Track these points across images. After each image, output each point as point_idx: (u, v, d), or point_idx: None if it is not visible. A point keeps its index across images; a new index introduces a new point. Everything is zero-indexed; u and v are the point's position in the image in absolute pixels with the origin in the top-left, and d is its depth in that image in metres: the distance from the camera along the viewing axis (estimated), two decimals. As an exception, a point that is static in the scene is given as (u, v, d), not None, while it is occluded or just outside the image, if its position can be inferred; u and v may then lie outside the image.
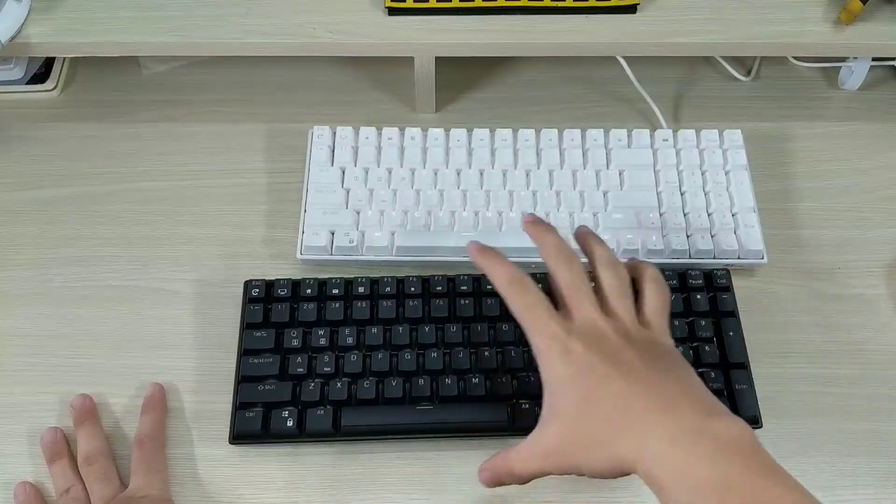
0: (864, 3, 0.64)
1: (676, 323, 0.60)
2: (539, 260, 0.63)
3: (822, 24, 0.67)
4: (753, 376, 0.58)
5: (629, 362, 0.45)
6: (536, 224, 0.52)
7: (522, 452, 0.47)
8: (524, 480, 0.47)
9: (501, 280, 0.49)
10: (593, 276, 0.50)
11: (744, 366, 0.59)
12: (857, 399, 0.60)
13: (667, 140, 0.68)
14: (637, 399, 0.44)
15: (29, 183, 0.70)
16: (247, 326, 0.60)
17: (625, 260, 0.52)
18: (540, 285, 0.49)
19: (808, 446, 0.58)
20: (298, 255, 0.64)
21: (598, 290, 0.49)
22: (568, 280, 0.49)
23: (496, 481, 0.48)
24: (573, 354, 0.45)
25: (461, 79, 0.77)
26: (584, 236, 0.53)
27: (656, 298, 0.50)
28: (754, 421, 0.57)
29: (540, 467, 0.46)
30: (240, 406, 0.57)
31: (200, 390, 0.60)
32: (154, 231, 0.67)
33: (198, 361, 0.61)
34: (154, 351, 0.61)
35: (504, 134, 0.68)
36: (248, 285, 0.62)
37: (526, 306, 0.48)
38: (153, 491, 0.53)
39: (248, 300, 0.61)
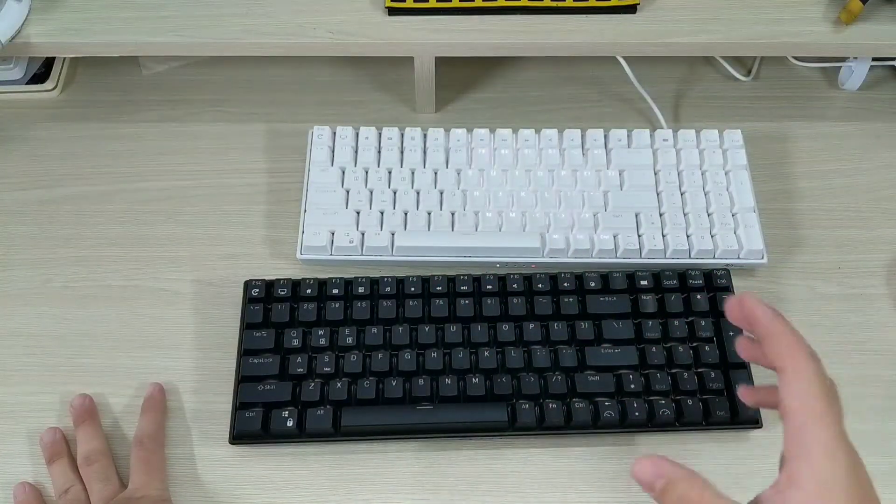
0: (864, 3, 0.64)
1: (676, 323, 0.60)
2: (538, 260, 0.64)
3: (822, 24, 0.67)
4: (753, 376, 0.58)
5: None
6: (776, 317, 0.44)
7: None
8: None
9: (803, 348, 0.42)
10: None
11: (744, 366, 0.59)
12: (858, 399, 0.60)
13: (667, 140, 0.68)
14: None
15: (29, 183, 0.70)
16: (247, 326, 0.60)
17: None
18: None
19: (808, 446, 0.58)
20: (298, 255, 0.64)
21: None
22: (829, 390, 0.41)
23: (657, 488, 0.40)
24: (861, 483, 0.40)
25: (461, 79, 0.77)
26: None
27: None
28: (754, 421, 0.57)
29: None
30: (240, 406, 0.57)
31: (200, 390, 0.60)
32: (154, 231, 0.67)
33: (198, 361, 0.61)
34: (154, 351, 0.61)
35: (504, 134, 0.68)
36: (247, 285, 0.62)
37: (824, 389, 0.40)
38: (152, 491, 0.53)
39: (248, 300, 0.61)
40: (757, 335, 0.44)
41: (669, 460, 0.40)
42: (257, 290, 0.61)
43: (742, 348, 0.47)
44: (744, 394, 0.48)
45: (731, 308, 0.45)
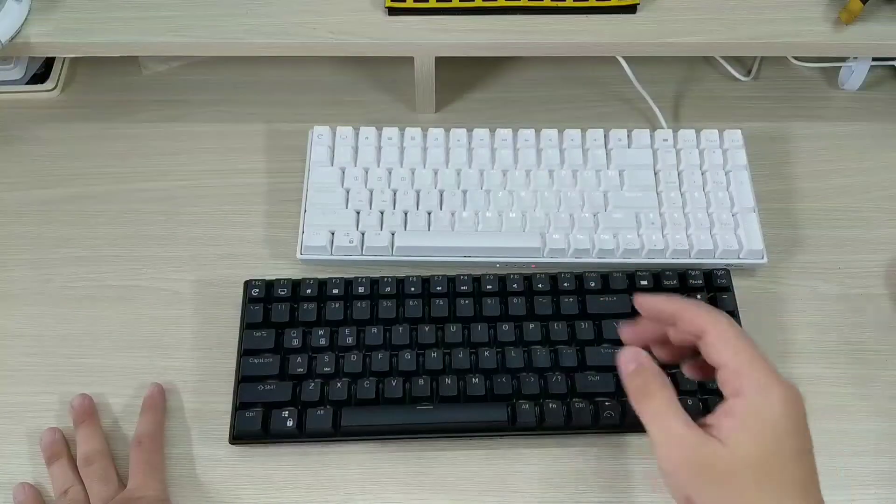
0: (864, 3, 0.64)
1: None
2: (538, 260, 0.64)
3: (822, 24, 0.67)
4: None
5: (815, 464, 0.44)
6: (676, 298, 0.47)
7: (676, 437, 0.42)
8: (644, 420, 0.44)
9: (713, 311, 0.45)
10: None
11: (744, 366, 0.59)
12: (857, 399, 0.60)
13: (667, 140, 0.68)
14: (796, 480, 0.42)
15: (29, 183, 0.70)
16: (247, 326, 0.60)
17: None
18: None
19: (808, 446, 0.58)
20: (298, 255, 0.64)
21: None
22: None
23: (623, 374, 0.46)
24: (796, 414, 0.42)
25: (461, 79, 0.77)
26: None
27: None
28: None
29: (672, 463, 0.43)
30: (240, 406, 0.57)
31: (200, 390, 0.60)
32: (154, 231, 0.67)
33: (198, 361, 0.61)
34: (154, 351, 0.61)
35: (504, 134, 0.68)
36: (248, 285, 0.62)
37: (746, 337, 0.44)
38: (151, 491, 0.53)
39: (248, 300, 0.61)
40: (669, 321, 0.46)
41: (648, 356, 0.46)
42: (257, 290, 0.61)
43: (690, 369, 0.49)
44: (688, 369, 0.49)
45: (641, 314, 0.48)
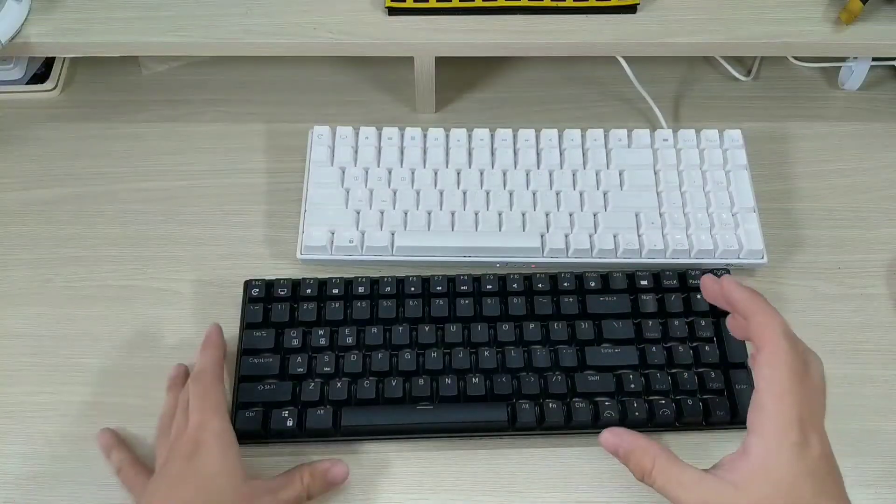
0: (864, 3, 0.64)
1: (676, 323, 0.60)
2: (538, 260, 0.64)
3: (822, 24, 0.67)
4: (754, 376, 0.58)
5: (843, 492, 0.44)
6: (753, 295, 0.48)
7: (683, 479, 0.44)
8: (645, 483, 0.46)
9: (778, 327, 0.46)
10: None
11: (744, 366, 0.59)
12: (858, 399, 0.60)
13: (667, 140, 0.68)
14: None
15: (29, 183, 0.70)
16: (247, 326, 0.60)
17: None
18: None
19: (808, 446, 0.58)
20: (298, 255, 0.64)
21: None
22: (812, 371, 0.46)
23: (618, 456, 0.48)
24: (811, 454, 0.43)
25: (461, 79, 0.77)
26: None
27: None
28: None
29: (677, 499, 0.44)
30: (240, 406, 0.57)
31: (200, 390, 0.60)
32: (154, 231, 0.67)
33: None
34: (154, 351, 0.61)
35: (504, 134, 0.68)
36: (248, 285, 0.62)
37: (791, 368, 0.44)
38: (209, 430, 0.51)
39: (249, 300, 0.61)
40: (740, 315, 0.48)
41: (629, 432, 0.48)
42: (257, 290, 0.61)
43: (733, 326, 0.51)
44: (732, 324, 0.51)
45: (708, 287, 0.50)
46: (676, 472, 0.45)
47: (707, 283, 0.50)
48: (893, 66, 0.76)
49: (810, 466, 0.42)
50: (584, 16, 0.67)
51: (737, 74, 0.76)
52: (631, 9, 0.66)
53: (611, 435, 0.48)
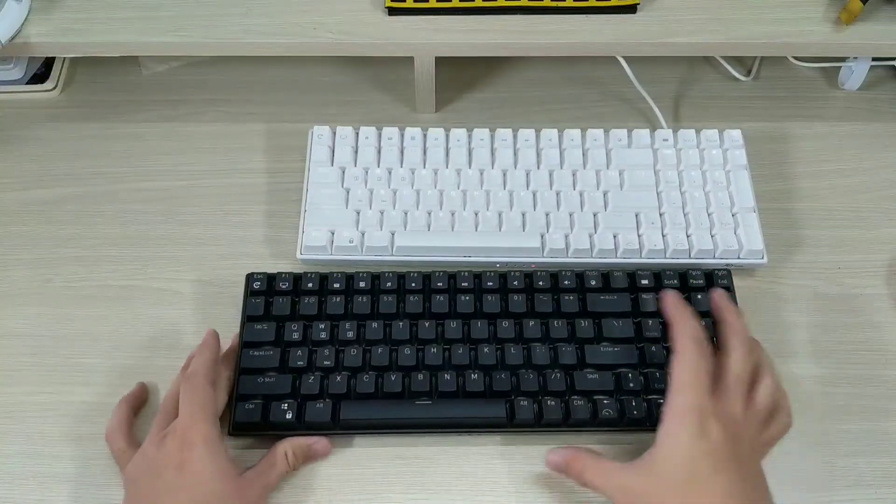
0: (864, 3, 0.64)
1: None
2: (538, 260, 0.64)
3: (822, 24, 0.67)
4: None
5: (746, 474, 0.48)
6: (679, 307, 0.54)
7: (606, 470, 0.51)
8: (585, 486, 0.52)
9: (687, 333, 0.52)
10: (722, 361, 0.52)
11: (744, 365, 0.59)
12: (857, 399, 0.60)
13: (667, 140, 0.68)
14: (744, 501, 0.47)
15: (29, 183, 0.70)
16: (248, 319, 0.60)
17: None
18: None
19: (809, 446, 0.58)
20: (298, 255, 0.64)
21: (728, 380, 0.51)
22: (740, 371, 0.51)
23: (560, 470, 0.54)
24: (710, 435, 0.48)
25: (461, 79, 0.77)
26: (726, 310, 0.56)
27: (775, 438, 0.53)
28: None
29: (609, 492, 0.51)
30: (239, 398, 0.57)
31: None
32: (154, 231, 0.67)
33: (198, 361, 0.61)
34: (154, 351, 0.61)
35: (504, 134, 0.68)
36: (249, 278, 0.62)
37: (694, 367, 0.50)
38: (198, 435, 0.51)
39: (250, 293, 0.61)
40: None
41: (564, 448, 0.54)
42: (259, 283, 0.61)
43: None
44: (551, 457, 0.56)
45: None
46: (601, 468, 0.51)
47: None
48: (893, 66, 0.76)
49: (708, 448, 0.47)
50: (584, 16, 0.67)
51: (737, 74, 0.77)
52: (631, 9, 0.66)
53: (553, 455, 0.54)
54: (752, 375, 0.52)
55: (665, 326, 0.60)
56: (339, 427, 0.57)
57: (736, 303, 0.61)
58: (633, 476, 0.49)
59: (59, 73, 0.76)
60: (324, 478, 0.56)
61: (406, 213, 0.65)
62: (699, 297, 0.61)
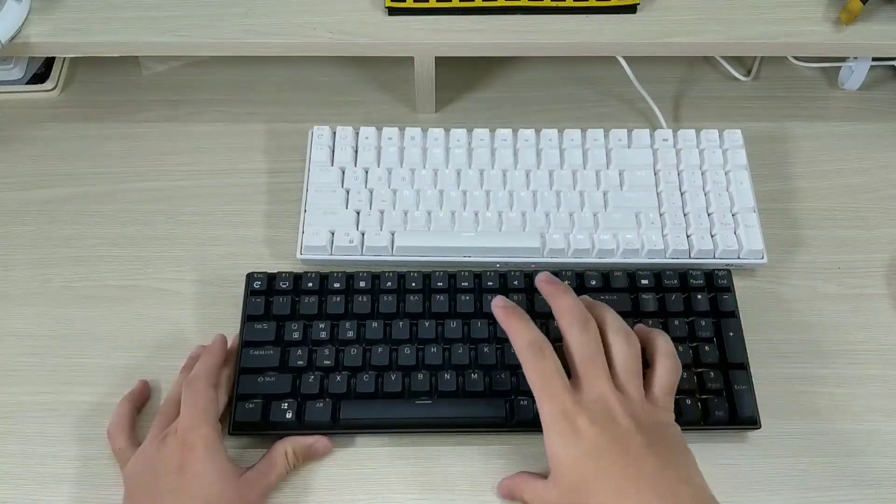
0: (864, 3, 0.64)
1: (676, 323, 0.60)
2: (538, 260, 0.64)
3: (822, 24, 0.67)
4: (753, 376, 0.58)
5: (636, 449, 0.46)
6: (551, 284, 0.52)
7: (534, 488, 0.51)
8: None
9: (521, 341, 0.49)
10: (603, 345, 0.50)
11: (743, 366, 0.59)
12: (857, 399, 0.60)
13: (667, 140, 0.68)
14: (639, 488, 0.45)
15: (29, 183, 0.70)
16: (248, 318, 0.60)
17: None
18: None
19: (808, 446, 0.58)
20: (298, 255, 0.64)
21: (609, 363, 0.49)
22: (584, 348, 0.49)
23: (510, 497, 0.54)
24: (581, 434, 0.46)
25: (461, 79, 0.77)
26: (591, 305, 0.53)
27: (668, 377, 0.50)
28: (753, 422, 0.57)
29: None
30: (239, 397, 0.57)
31: (200, 390, 0.60)
32: (154, 231, 0.67)
33: (198, 361, 0.61)
34: (154, 351, 0.61)
35: (504, 134, 0.68)
36: (250, 278, 0.62)
37: (540, 373, 0.48)
38: (200, 437, 0.51)
39: (250, 292, 0.61)
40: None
41: (510, 477, 0.54)
42: (259, 283, 0.61)
43: None
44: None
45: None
46: (531, 487, 0.51)
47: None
48: (893, 66, 0.76)
49: (585, 450, 0.46)
50: (584, 16, 0.67)
51: (737, 74, 0.77)
52: (631, 9, 0.66)
53: (501, 486, 0.55)
54: (601, 345, 0.50)
55: (665, 326, 0.60)
56: (339, 427, 0.57)
57: (736, 303, 0.61)
58: (548, 491, 0.49)
59: (59, 73, 0.76)
60: (324, 478, 0.56)
61: (406, 214, 0.65)
62: (699, 297, 0.61)
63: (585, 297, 0.55)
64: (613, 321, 0.51)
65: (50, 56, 0.75)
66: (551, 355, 0.49)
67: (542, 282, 0.53)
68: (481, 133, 0.68)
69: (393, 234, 0.64)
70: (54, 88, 0.75)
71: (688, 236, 0.64)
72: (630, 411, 0.47)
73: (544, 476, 0.50)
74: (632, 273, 0.62)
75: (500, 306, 0.52)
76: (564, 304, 0.51)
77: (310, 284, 0.61)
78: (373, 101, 0.76)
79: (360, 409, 0.57)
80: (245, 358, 0.58)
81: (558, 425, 0.47)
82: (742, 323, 0.60)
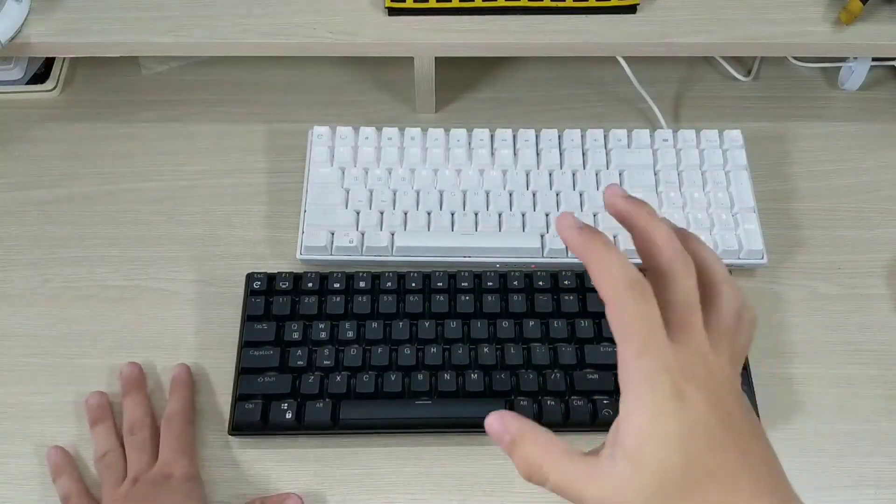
0: (864, 3, 0.64)
1: (676, 323, 0.60)
2: (538, 260, 0.63)
3: (822, 24, 0.67)
4: (753, 376, 0.58)
5: (739, 426, 0.35)
6: (634, 202, 0.39)
7: (576, 471, 0.36)
8: (544, 486, 0.37)
9: (618, 279, 0.35)
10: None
11: (743, 366, 0.59)
12: (857, 399, 0.60)
13: (667, 140, 0.68)
14: (753, 479, 0.34)
15: (29, 183, 0.70)
16: (248, 319, 0.60)
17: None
18: None
19: (808, 446, 0.58)
20: (298, 256, 0.64)
21: (679, 318, 0.36)
22: (686, 294, 0.36)
23: (504, 445, 0.39)
24: (688, 402, 0.34)
25: (461, 79, 0.77)
26: (686, 236, 0.39)
27: (747, 344, 0.39)
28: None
29: (579, 497, 0.36)
30: (239, 397, 0.57)
31: (199, 390, 0.60)
32: (154, 231, 0.67)
33: (197, 361, 0.61)
34: (154, 351, 0.61)
35: (504, 134, 0.68)
36: (250, 278, 0.62)
37: (645, 319, 0.35)
38: (181, 469, 0.53)
39: (250, 292, 0.61)
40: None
41: (516, 416, 0.39)
42: (259, 283, 0.61)
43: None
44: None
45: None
46: (570, 467, 0.37)
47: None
48: (893, 66, 0.76)
49: (695, 418, 0.34)
50: (584, 16, 0.67)
51: (737, 74, 0.76)
52: (631, 9, 0.66)
53: (496, 419, 0.39)
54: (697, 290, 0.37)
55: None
56: (339, 427, 0.57)
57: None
58: (615, 476, 0.35)
59: (59, 73, 0.76)
60: (324, 478, 0.56)
61: (406, 214, 0.65)
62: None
63: (668, 220, 0.39)
64: (721, 268, 0.38)
65: (50, 56, 0.75)
66: (652, 298, 0.35)
67: (617, 196, 0.39)
68: (481, 133, 0.68)
69: (393, 235, 0.64)
70: (54, 88, 0.75)
71: (688, 236, 0.64)
72: (728, 378, 0.36)
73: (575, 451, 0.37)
74: (632, 273, 0.62)
75: (574, 227, 0.37)
76: (663, 235, 0.37)
77: (310, 285, 0.61)
78: (373, 101, 0.75)
79: (360, 410, 0.57)
80: (245, 358, 0.58)
81: (661, 387, 0.34)
82: (742, 323, 0.60)
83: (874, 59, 0.73)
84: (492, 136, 0.68)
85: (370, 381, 0.57)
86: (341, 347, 0.59)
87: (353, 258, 0.64)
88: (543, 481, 0.37)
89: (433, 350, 0.59)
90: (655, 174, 0.67)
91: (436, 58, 0.68)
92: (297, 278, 0.62)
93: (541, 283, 0.61)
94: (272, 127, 0.73)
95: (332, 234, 0.64)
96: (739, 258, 0.64)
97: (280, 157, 0.71)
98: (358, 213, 0.65)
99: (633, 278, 0.35)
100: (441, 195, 0.66)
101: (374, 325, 0.60)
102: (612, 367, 0.58)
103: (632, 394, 0.36)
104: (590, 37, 0.66)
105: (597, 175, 0.67)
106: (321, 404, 0.57)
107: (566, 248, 0.64)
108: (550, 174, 0.67)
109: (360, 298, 0.61)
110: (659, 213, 0.41)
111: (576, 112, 0.75)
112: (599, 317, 0.60)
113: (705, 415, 0.34)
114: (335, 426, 0.57)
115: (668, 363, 0.35)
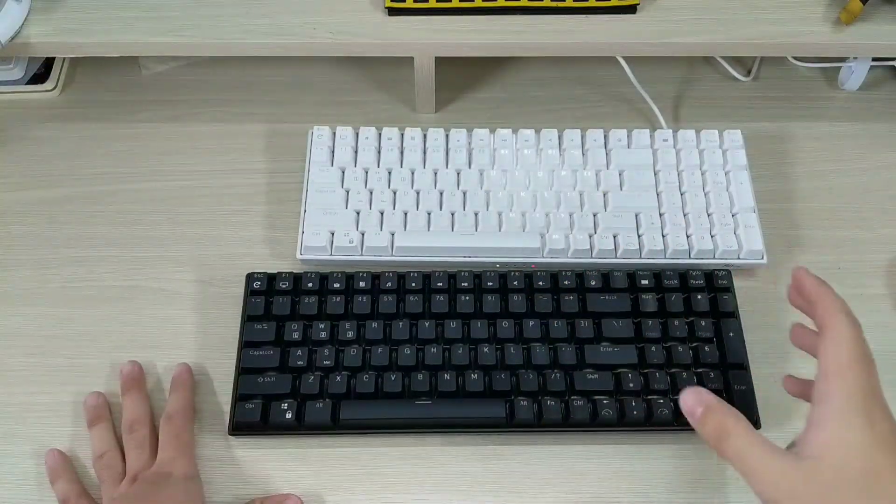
0: (864, 3, 0.64)
1: (676, 323, 0.60)
2: (538, 260, 0.63)
3: (822, 24, 0.67)
4: (753, 376, 0.58)
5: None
6: (821, 284, 0.48)
7: (775, 467, 0.42)
8: (725, 455, 0.44)
9: (839, 307, 0.46)
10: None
11: (743, 366, 0.59)
12: (857, 399, 0.60)
13: (667, 140, 0.68)
14: None
15: (29, 183, 0.70)
16: (248, 319, 0.60)
17: None
18: None
19: (808, 446, 0.57)
20: (298, 256, 0.64)
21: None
22: (861, 347, 0.45)
23: (697, 417, 0.45)
24: (875, 421, 0.42)
25: (461, 79, 0.77)
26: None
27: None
28: (753, 422, 0.57)
29: (759, 480, 0.42)
30: (239, 397, 0.57)
31: (200, 389, 0.60)
32: (154, 231, 0.67)
33: (197, 361, 0.61)
34: (154, 351, 0.61)
35: (504, 134, 0.68)
36: (250, 278, 0.62)
37: (860, 344, 0.45)
38: (180, 468, 0.54)
39: (250, 292, 0.61)
40: (806, 302, 0.48)
41: (710, 393, 0.45)
42: (259, 283, 0.61)
43: (794, 335, 0.52)
44: (788, 382, 0.52)
45: (791, 292, 0.50)
46: (753, 447, 0.43)
47: (791, 289, 0.50)
48: (893, 66, 0.76)
49: (880, 435, 0.41)
50: (584, 16, 0.67)
51: (737, 74, 0.76)
52: (631, 9, 0.66)
53: (692, 393, 0.45)
54: None
55: (665, 326, 0.60)
56: (339, 427, 0.57)
57: (736, 303, 0.61)
58: (796, 476, 0.41)
59: (59, 73, 0.76)
60: (323, 478, 0.56)
61: (406, 214, 0.65)
62: (699, 297, 0.61)
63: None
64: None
65: (50, 56, 0.75)
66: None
67: (809, 282, 0.48)
68: (481, 133, 0.68)
69: (393, 235, 0.64)
70: (54, 88, 0.75)
71: (687, 236, 0.64)
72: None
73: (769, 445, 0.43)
74: (632, 273, 0.62)
75: (809, 278, 0.48)
76: (839, 302, 0.46)
77: (310, 285, 0.61)
78: (373, 101, 0.75)
79: (359, 410, 0.57)
80: (245, 358, 0.58)
81: (859, 402, 0.42)
82: (742, 323, 0.60)
83: (874, 59, 0.73)
84: (492, 136, 0.68)
85: (370, 381, 0.57)
86: (341, 347, 0.59)
87: (353, 258, 0.64)
88: (724, 452, 0.43)
89: (433, 350, 0.59)
90: (655, 174, 0.67)
91: (436, 58, 0.68)
92: (297, 278, 0.62)
93: (541, 283, 0.61)
94: (272, 127, 0.73)
95: (332, 234, 0.64)
96: (739, 258, 0.64)
97: (280, 157, 0.71)
98: (358, 213, 0.65)
99: (853, 318, 0.45)
100: (441, 195, 0.66)
101: (374, 325, 0.60)
102: (611, 368, 0.58)
103: (825, 403, 0.43)
104: (590, 37, 0.66)
105: (597, 175, 0.67)
106: (321, 404, 0.57)
107: (564, 248, 0.64)
108: (550, 174, 0.67)
109: (360, 298, 0.61)
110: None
111: (576, 112, 0.75)
112: (599, 317, 0.60)
113: (888, 437, 0.41)
114: (335, 426, 0.57)
115: (864, 387, 0.42)
